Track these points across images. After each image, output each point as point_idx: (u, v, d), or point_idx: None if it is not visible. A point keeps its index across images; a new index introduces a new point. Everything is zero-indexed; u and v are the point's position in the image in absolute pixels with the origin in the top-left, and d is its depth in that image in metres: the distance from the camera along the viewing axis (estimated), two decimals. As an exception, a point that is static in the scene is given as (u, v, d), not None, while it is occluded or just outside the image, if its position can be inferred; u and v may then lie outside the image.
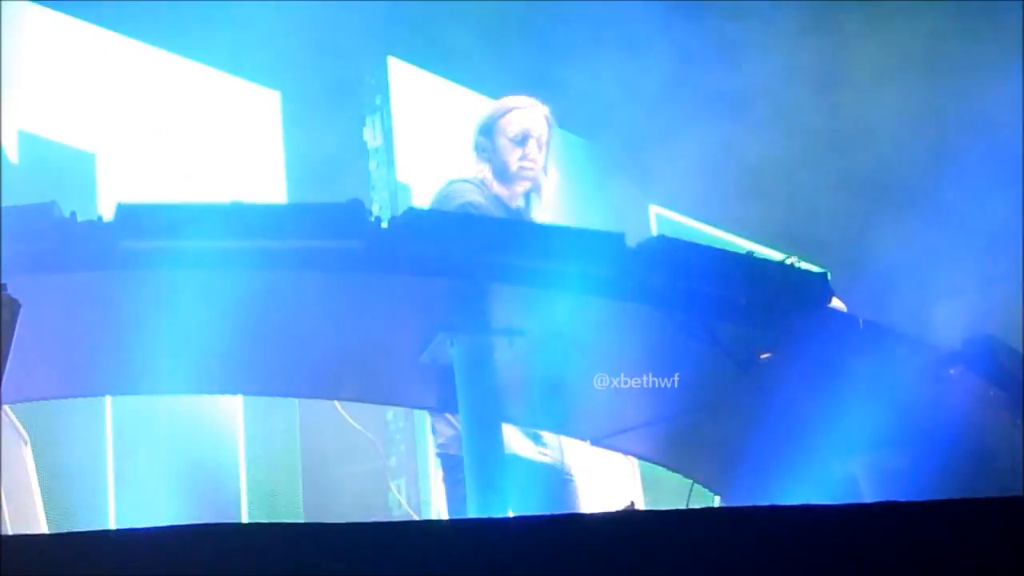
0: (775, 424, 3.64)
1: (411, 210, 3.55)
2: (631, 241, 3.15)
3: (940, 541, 2.14)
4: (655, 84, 6.92)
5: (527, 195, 4.40)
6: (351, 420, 4.28)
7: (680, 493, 4.31)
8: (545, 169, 4.39)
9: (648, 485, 5.14)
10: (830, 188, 7.71)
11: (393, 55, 6.67)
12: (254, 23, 5.93)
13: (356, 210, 2.93)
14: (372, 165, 6.51)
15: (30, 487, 3.67)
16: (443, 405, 3.65)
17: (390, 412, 5.92)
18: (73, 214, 2.83)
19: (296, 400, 5.56)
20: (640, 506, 4.96)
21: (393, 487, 5.34)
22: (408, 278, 3.00)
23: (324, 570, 2.02)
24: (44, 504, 3.75)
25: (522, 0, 6.96)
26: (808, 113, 7.27)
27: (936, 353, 3.58)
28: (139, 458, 5.40)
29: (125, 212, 2.84)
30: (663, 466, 4.16)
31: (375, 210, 6.27)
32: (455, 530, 2.20)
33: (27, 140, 5.57)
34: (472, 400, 3.12)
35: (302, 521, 5.89)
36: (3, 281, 2.57)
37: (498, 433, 3.17)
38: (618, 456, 4.57)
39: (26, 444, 3.68)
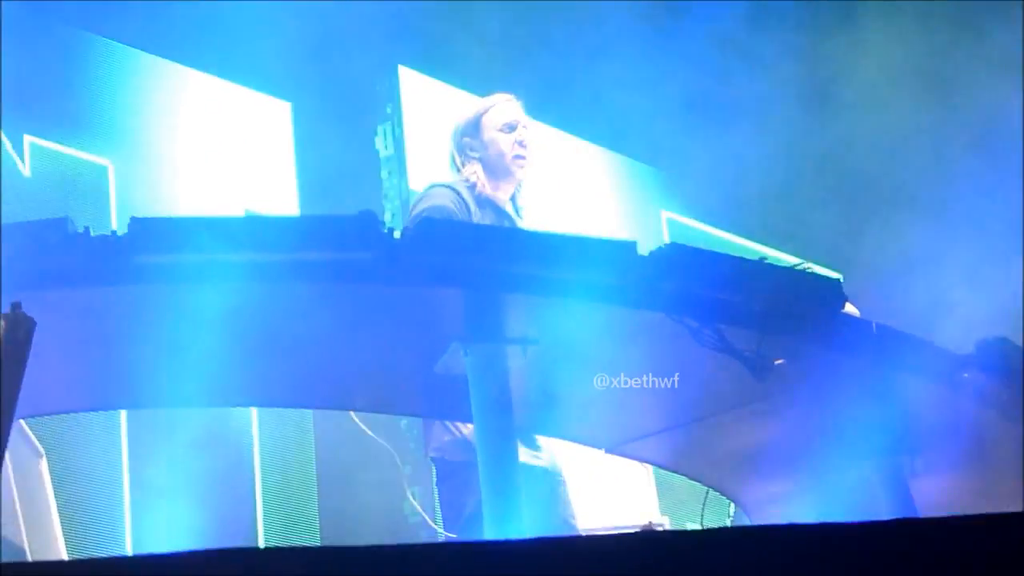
0: (790, 430, 3.64)
1: (423, 220, 3.56)
2: (643, 248, 3.15)
3: (961, 557, 2.12)
4: (668, 91, 6.93)
5: (512, 198, 4.40)
6: (366, 428, 4.29)
7: (695, 498, 4.30)
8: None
9: (663, 492, 5.14)
10: (840, 194, 7.71)
11: (404, 64, 6.68)
12: (265, 35, 5.95)
13: (368, 221, 2.93)
14: (384, 174, 6.51)
15: (47, 501, 3.69)
16: (456, 414, 3.65)
17: (404, 420, 5.91)
18: (87, 229, 2.83)
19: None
20: (655, 513, 4.97)
21: (409, 495, 5.33)
22: (421, 289, 3.00)
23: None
24: (60, 515, 3.77)
25: (533, 8, 6.97)
26: (818, 120, 7.27)
27: (949, 356, 3.58)
28: (154, 468, 5.41)
29: (138, 227, 2.85)
30: (678, 473, 4.16)
31: (387, 219, 6.29)
32: (475, 553, 2.17)
33: (40, 152, 5.59)
34: (486, 409, 3.11)
35: (317, 530, 5.91)
36: (17, 298, 2.58)
37: (512, 441, 3.16)
38: (631, 463, 4.57)
39: (42, 458, 3.69)
